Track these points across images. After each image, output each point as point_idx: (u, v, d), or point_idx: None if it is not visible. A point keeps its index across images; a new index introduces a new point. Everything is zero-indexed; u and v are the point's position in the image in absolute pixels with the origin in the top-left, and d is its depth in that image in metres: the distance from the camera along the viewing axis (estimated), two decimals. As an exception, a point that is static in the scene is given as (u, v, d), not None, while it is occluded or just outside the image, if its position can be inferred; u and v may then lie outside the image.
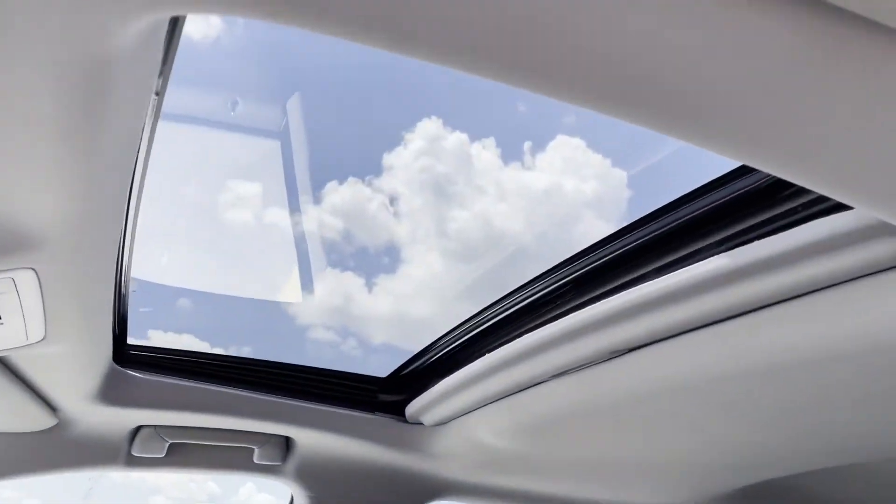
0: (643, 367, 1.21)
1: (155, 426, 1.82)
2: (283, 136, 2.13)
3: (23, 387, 1.49)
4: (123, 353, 1.71)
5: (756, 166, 0.67)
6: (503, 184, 2.84)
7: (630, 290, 1.12)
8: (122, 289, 1.48)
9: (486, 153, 2.80)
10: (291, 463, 1.95)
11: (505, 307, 1.52)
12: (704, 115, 0.60)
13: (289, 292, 2.69)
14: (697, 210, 1.08)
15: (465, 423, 1.74)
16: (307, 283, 2.54)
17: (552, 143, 2.67)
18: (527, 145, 2.68)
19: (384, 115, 2.71)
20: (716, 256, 1.00)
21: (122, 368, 1.70)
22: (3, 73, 0.65)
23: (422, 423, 1.90)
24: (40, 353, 1.32)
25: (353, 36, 0.54)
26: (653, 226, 1.15)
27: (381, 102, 2.64)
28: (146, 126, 1.00)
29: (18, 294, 1.05)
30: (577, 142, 2.64)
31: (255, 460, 1.91)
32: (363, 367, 2.01)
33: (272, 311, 2.77)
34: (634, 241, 1.18)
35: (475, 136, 2.76)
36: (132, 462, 1.82)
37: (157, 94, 0.94)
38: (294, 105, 2.12)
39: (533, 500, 2.13)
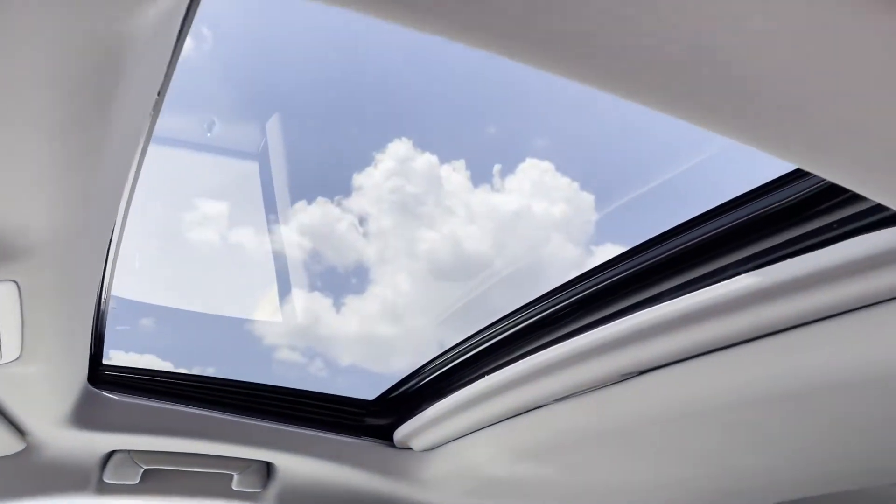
0: (655, 390, 1.16)
1: (129, 451, 1.72)
2: (253, 155, 2.10)
3: None
4: (98, 374, 1.62)
5: (819, 173, 0.63)
6: (473, 206, 2.85)
7: (644, 310, 1.09)
8: (102, 306, 1.40)
9: (456, 175, 2.80)
10: (272, 490, 1.86)
11: (505, 328, 1.47)
12: (771, 117, 0.56)
13: (265, 311, 2.64)
14: (719, 227, 1.05)
15: (458, 448, 1.68)
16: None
17: (522, 166, 2.68)
18: (496, 168, 2.68)
19: (355, 135, 2.71)
20: (742, 276, 0.96)
21: (96, 390, 1.60)
22: (3, 62, 0.59)
23: (411, 449, 1.83)
24: (13, 372, 1.23)
25: (370, 8, 0.50)
26: (671, 243, 1.12)
27: (352, 123, 2.64)
28: (145, 131, 0.94)
29: None
30: (547, 165, 2.65)
31: (234, 487, 1.82)
32: (330, 390, 1.95)
33: (237, 332, 2.72)
34: (650, 259, 1.14)
35: (445, 158, 2.76)
36: (104, 489, 1.72)
37: (159, 93, 0.88)
38: (265, 125, 2.09)
39: None
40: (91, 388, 1.58)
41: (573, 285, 1.30)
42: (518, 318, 1.45)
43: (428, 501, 1.92)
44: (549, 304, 1.35)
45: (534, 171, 2.67)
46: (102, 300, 1.38)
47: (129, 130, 0.82)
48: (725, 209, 1.08)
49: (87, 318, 1.25)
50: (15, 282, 0.92)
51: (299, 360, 3.09)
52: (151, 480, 1.77)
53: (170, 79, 0.87)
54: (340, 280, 3.00)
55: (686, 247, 1.09)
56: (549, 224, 2.77)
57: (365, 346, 3.15)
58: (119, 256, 1.30)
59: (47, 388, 1.38)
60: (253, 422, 1.77)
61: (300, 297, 2.61)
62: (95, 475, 1.71)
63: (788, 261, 0.92)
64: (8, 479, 1.63)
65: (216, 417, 1.74)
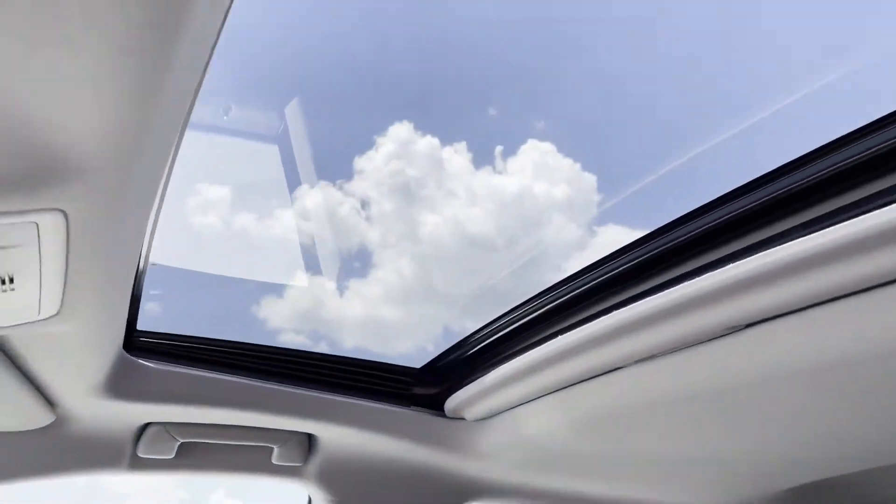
0: (764, 344, 1.04)
1: (164, 423, 1.60)
2: (256, 137, 2.03)
3: (19, 376, 1.28)
4: (132, 340, 1.50)
5: None
6: (474, 188, 2.83)
7: (758, 253, 0.97)
8: (142, 264, 1.28)
9: (457, 157, 2.78)
10: (313, 463, 1.75)
11: (577, 285, 1.36)
12: None
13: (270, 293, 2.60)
14: (818, 173, 0.94)
15: (516, 416, 1.57)
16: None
17: (523, 147, 2.68)
18: (498, 149, 2.68)
19: (355, 118, 2.69)
20: (872, 213, 0.85)
21: (131, 357, 1.48)
22: None
23: (463, 419, 1.72)
24: (47, 332, 1.11)
25: None
26: (791, 177, 1.00)
27: (353, 106, 2.62)
28: (202, 68, 0.81)
29: (40, 247, 0.84)
30: (548, 146, 2.65)
31: (274, 461, 1.71)
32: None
33: (241, 316, 2.66)
34: (767, 196, 1.02)
35: (447, 141, 2.75)
36: (137, 464, 1.60)
37: (217, 33, 0.75)
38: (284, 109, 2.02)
39: (578, 502, 1.96)
40: (126, 354, 1.47)
41: (666, 232, 1.18)
42: (594, 274, 1.33)
43: (480, 473, 1.82)
44: (635, 256, 1.23)
45: (535, 153, 2.66)
46: (142, 257, 1.26)
47: (191, 59, 0.70)
48: (849, 140, 0.97)
49: (130, 272, 1.13)
50: (63, 211, 0.80)
51: (304, 343, 3.06)
52: (187, 455, 1.66)
53: (225, 21, 0.75)
54: (343, 264, 2.98)
55: (808, 181, 0.98)
56: (551, 205, 2.75)
57: (369, 328, 3.13)
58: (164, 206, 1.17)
59: (81, 352, 1.26)
60: (294, 390, 1.66)
61: (304, 280, 2.57)
62: (129, 449, 1.60)
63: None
64: (36, 455, 1.51)
65: (256, 386, 1.62)
